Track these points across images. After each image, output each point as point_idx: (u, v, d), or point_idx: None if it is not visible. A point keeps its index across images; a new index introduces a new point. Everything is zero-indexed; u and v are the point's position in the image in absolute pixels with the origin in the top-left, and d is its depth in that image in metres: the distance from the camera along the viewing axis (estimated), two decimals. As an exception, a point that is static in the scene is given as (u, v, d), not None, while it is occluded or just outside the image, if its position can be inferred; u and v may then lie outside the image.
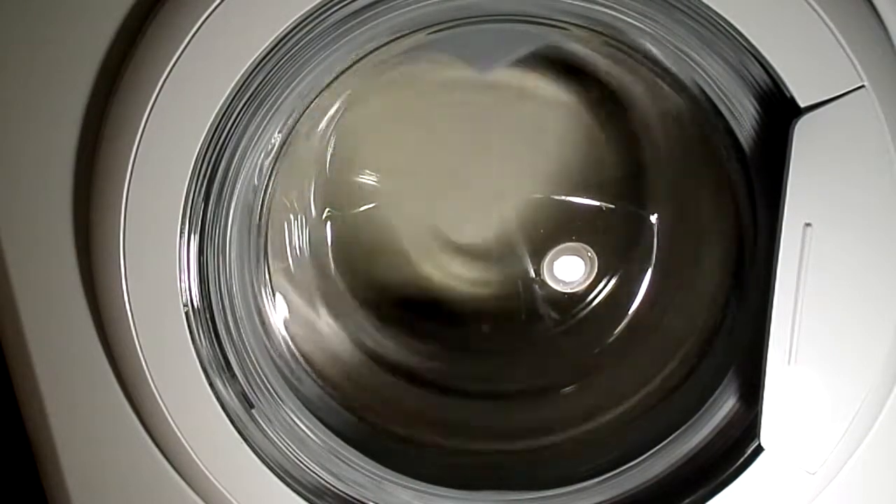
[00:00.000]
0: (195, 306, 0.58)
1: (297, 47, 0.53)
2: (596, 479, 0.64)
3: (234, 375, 0.60)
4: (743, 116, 0.56)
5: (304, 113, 0.63)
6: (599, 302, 0.78)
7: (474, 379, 0.78)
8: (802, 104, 0.53)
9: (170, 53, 0.52)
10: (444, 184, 0.75)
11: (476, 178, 0.74)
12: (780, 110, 0.54)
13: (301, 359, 0.69)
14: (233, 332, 0.60)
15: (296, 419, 0.63)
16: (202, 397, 0.58)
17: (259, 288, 0.66)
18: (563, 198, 0.75)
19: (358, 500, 0.63)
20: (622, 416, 0.69)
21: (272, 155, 0.63)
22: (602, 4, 0.54)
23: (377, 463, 0.64)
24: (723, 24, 0.52)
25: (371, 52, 0.59)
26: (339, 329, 0.76)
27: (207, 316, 0.58)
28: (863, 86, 0.52)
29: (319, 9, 0.52)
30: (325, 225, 0.75)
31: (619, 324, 0.76)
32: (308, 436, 0.63)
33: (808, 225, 0.54)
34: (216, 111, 0.53)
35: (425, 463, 0.67)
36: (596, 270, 0.76)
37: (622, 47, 0.58)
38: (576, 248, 0.76)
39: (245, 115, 0.55)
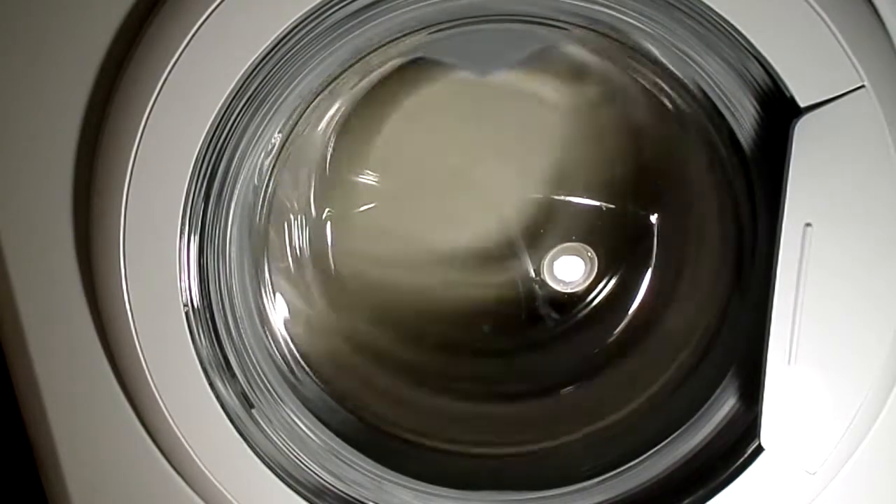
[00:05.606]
0: (195, 306, 0.58)
1: (297, 47, 0.53)
2: (596, 479, 0.64)
3: (234, 375, 0.60)
4: (743, 116, 0.56)
5: (304, 113, 0.63)
6: (599, 302, 0.78)
7: (474, 379, 0.78)
8: (802, 104, 0.53)
9: (170, 53, 0.52)
10: (444, 184, 0.75)
11: (476, 178, 0.74)
12: (780, 110, 0.54)
13: (301, 359, 0.69)
14: (233, 332, 0.60)
15: (296, 419, 0.63)
16: (202, 397, 0.58)
17: (259, 288, 0.66)
18: (563, 198, 0.75)
19: (358, 500, 0.63)
20: (622, 416, 0.69)
21: (272, 155, 0.63)
22: (602, 4, 0.54)
23: (377, 463, 0.64)
24: (723, 24, 0.52)
25: (371, 51, 0.58)
26: (339, 329, 0.76)
27: (207, 316, 0.58)
28: (863, 86, 0.52)
29: (319, 9, 0.52)
30: (325, 225, 0.75)
31: (620, 324, 0.76)
32: (308, 436, 0.63)
33: (808, 225, 0.54)
34: (216, 111, 0.53)
35: (425, 463, 0.67)
36: (596, 270, 0.76)
37: (622, 47, 0.58)
38: (576, 248, 0.76)
39: (245, 115, 0.55)
